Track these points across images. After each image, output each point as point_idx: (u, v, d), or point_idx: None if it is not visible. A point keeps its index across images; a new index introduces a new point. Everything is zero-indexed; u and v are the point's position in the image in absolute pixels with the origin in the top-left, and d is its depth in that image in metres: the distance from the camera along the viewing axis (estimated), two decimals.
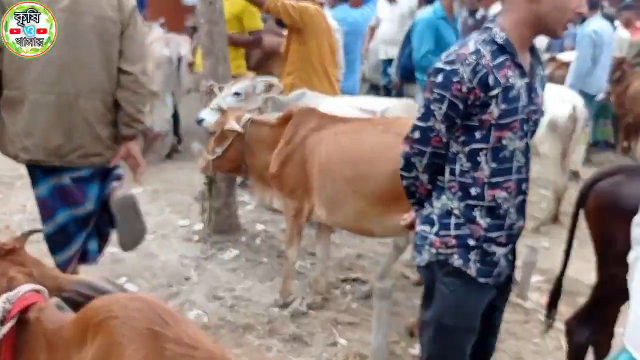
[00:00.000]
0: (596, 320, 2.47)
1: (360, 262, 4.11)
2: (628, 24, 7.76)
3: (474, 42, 1.81)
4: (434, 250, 1.92)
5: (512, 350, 3.14)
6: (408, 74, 5.91)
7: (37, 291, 1.51)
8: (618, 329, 2.51)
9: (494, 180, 1.86)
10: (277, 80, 4.21)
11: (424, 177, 1.94)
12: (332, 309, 3.43)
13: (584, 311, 2.52)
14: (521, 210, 1.97)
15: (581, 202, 2.50)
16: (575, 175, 5.82)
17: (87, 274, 2.88)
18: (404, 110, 3.72)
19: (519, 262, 4.04)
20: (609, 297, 2.44)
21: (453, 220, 1.90)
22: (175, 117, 5.94)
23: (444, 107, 1.81)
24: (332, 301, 3.52)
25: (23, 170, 5.17)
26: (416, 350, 3.05)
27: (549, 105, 4.82)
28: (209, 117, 3.87)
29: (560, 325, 3.23)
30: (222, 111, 3.52)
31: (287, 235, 3.39)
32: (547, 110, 4.91)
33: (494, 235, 1.89)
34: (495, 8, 7.34)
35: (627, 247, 2.28)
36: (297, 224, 3.26)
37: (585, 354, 2.50)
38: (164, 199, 4.95)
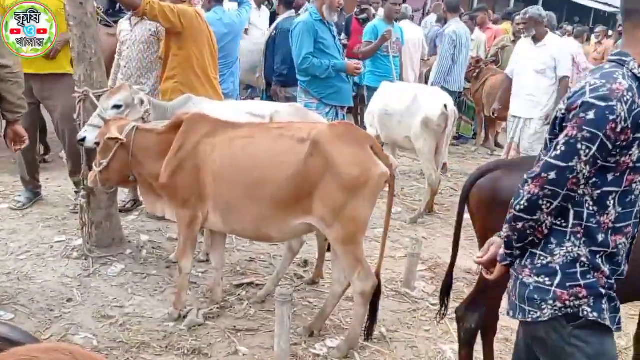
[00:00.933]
0: (483, 306, 2.67)
1: (253, 265, 4.10)
2: (481, 25, 8.44)
3: (621, 75, 1.67)
4: (559, 304, 1.73)
5: (404, 338, 3.30)
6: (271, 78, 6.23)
7: None
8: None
9: (618, 225, 1.74)
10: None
11: (548, 221, 1.75)
12: (230, 317, 3.39)
13: (471, 298, 2.72)
14: (628, 254, 1.83)
15: (465, 198, 2.68)
16: (444, 167, 6.23)
17: None
18: (293, 114, 3.76)
19: (402, 253, 4.33)
20: (493, 284, 2.64)
21: (579, 269, 1.74)
22: (42, 125, 5.48)
23: (594, 147, 1.64)
24: (229, 309, 3.47)
25: None
26: (317, 349, 3.11)
27: (422, 103, 5.18)
28: (89, 134, 3.63)
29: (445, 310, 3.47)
30: (104, 121, 3.33)
31: (180, 245, 3.29)
32: (421, 108, 5.27)
33: (613, 281, 1.78)
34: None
35: None
36: (191, 233, 3.17)
37: (475, 339, 2.70)
38: (35, 213, 4.57)
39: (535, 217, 1.74)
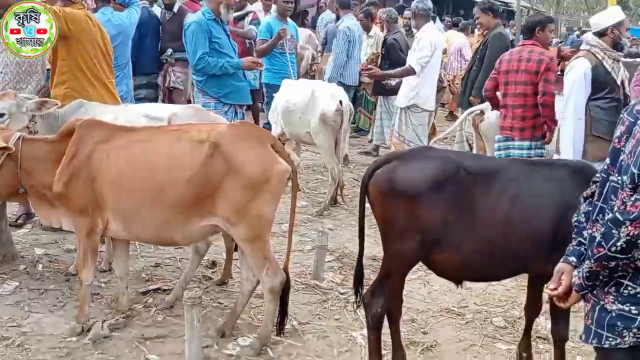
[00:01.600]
0: (387, 291, 2.79)
1: (159, 271, 4.01)
2: (373, 19, 8.68)
3: None
4: None
5: (316, 329, 3.38)
6: None
7: None
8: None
9: None
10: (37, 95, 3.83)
11: None
12: (137, 326, 3.30)
13: (376, 284, 2.83)
14: None
15: (365, 188, 2.78)
16: (345, 159, 6.40)
17: None
18: (192, 115, 3.72)
19: (310, 246, 4.41)
20: (395, 269, 2.78)
21: None
22: None
23: None
24: (136, 317, 3.38)
25: None
26: (230, 349, 3.11)
27: (320, 100, 5.29)
28: None
29: (354, 298, 3.59)
30: None
31: (80, 256, 3.16)
32: (319, 104, 5.38)
33: None
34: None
35: (406, 225, 2.64)
36: (91, 242, 3.06)
37: (382, 323, 2.81)
38: None
39: (630, 255, 1.75)
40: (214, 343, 3.15)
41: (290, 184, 3.09)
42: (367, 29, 7.86)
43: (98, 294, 3.63)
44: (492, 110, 5.28)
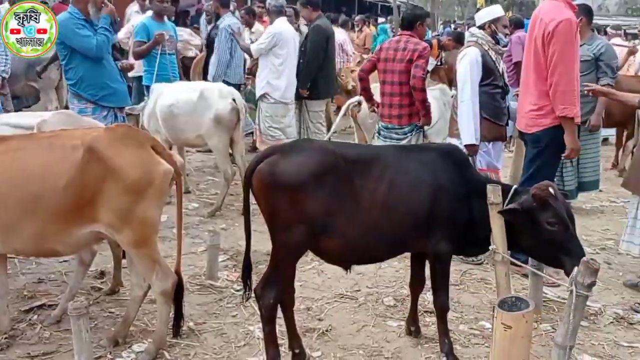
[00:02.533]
0: (278, 282, 2.86)
1: (43, 287, 3.83)
2: (255, 16, 8.73)
3: None
4: None
5: (213, 327, 3.38)
6: None
7: None
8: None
9: None
10: None
11: None
12: (22, 345, 3.14)
13: (267, 276, 2.89)
14: None
15: (248, 183, 2.83)
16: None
17: None
18: (63, 121, 3.56)
19: (204, 247, 4.38)
20: (283, 259, 2.85)
21: None
22: None
23: None
24: (19, 337, 3.21)
25: None
26: (124, 357, 3.05)
27: (211, 101, 5.21)
28: None
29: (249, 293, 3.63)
30: None
31: None
32: (211, 105, 5.30)
33: None
34: None
35: (290, 216, 2.72)
36: None
37: (276, 313, 2.88)
38: None
39: None
40: (107, 353, 3.07)
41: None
42: (249, 25, 7.97)
43: None
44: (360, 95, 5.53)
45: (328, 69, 6.76)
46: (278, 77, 6.30)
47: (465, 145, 4.28)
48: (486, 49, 4.39)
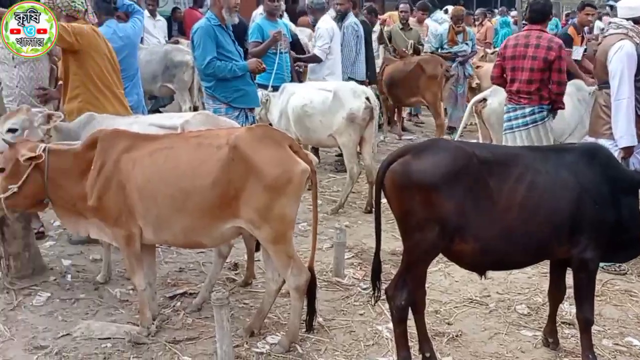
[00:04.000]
0: (410, 283, 2.85)
1: (184, 275, 4.10)
2: (377, 14, 8.76)
3: None
4: None
5: (341, 324, 3.45)
6: None
7: None
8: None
9: None
10: (46, 108, 3.92)
11: None
12: (168, 329, 3.39)
13: (398, 277, 2.89)
14: None
15: (380, 183, 2.85)
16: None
17: None
18: (203, 121, 3.78)
19: (328, 244, 4.48)
20: (416, 261, 2.84)
21: None
22: None
23: None
24: (166, 321, 3.47)
25: None
26: (259, 348, 3.19)
27: (345, 100, 5.27)
28: None
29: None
30: (9, 145, 3.20)
31: (127, 265, 3.27)
32: (344, 105, 5.34)
33: None
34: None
35: (424, 217, 2.71)
36: (132, 250, 3.14)
37: (407, 315, 2.88)
38: None
39: None
40: (244, 342, 3.23)
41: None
42: (372, 24, 8.04)
43: (127, 300, 3.73)
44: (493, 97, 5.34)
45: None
46: (333, 73, 6.54)
47: (622, 148, 4.00)
48: (638, 42, 4.07)
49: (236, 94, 5.07)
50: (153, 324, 3.34)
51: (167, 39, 9.27)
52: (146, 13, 7.97)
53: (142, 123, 3.86)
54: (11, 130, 3.60)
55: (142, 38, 7.00)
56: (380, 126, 8.82)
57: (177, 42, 8.71)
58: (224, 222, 3.00)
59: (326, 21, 6.75)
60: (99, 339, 3.27)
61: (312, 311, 3.22)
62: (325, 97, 5.37)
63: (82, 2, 4.38)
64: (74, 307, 3.64)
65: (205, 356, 3.14)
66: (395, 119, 8.70)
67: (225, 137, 2.98)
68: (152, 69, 7.68)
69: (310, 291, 3.14)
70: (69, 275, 4.02)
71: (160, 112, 8.31)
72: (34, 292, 3.76)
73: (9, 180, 3.14)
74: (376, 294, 3.03)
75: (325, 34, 6.53)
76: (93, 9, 5.37)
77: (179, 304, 3.69)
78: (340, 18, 7.01)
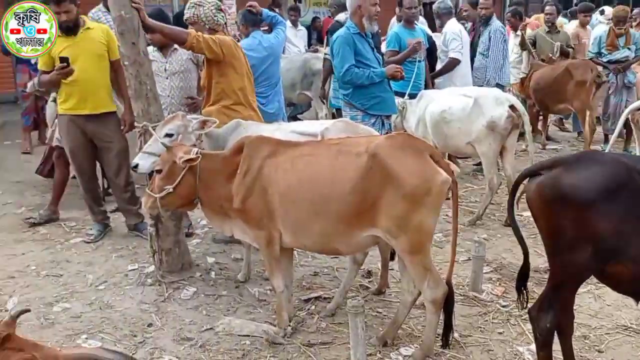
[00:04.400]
0: (556, 305, 2.66)
1: (318, 279, 4.18)
2: (521, 18, 8.36)
3: None
4: None
5: (479, 342, 3.31)
6: None
7: None
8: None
9: None
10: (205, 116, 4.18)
11: None
12: (303, 332, 3.47)
13: (543, 298, 2.71)
14: None
15: (514, 193, 2.69)
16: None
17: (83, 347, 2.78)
18: (343, 129, 3.83)
19: (465, 257, 4.33)
20: (564, 282, 2.65)
21: None
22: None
23: None
24: (300, 323, 3.55)
25: None
26: (393, 358, 3.16)
27: (485, 107, 5.09)
28: (143, 161, 3.81)
29: (517, 311, 3.47)
30: (167, 148, 3.47)
31: (267, 266, 3.40)
32: (485, 112, 5.16)
33: None
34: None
35: (576, 236, 2.51)
36: (272, 252, 3.26)
37: (552, 338, 2.69)
38: (107, 244, 4.80)
39: None
40: (377, 351, 3.22)
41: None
42: (514, 28, 7.71)
43: (265, 300, 3.88)
44: None
45: None
46: (463, 76, 6.46)
47: None
48: None
49: (373, 101, 5.09)
50: (289, 325, 3.44)
51: (307, 47, 9.57)
52: (288, 23, 8.29)
53: (284, 130, 3.99)
54: (168, 135, 3.88)
55: (284, 47, 7.29)
56: (521, 134, 8.42)
57: (316, 51, 8.93)
58: (361, 230, 3.01)
59: (453, 24, 6.73)
60: (239, 335, 3.43)
61: (448, 326, 3.12)
62: (466, 103, 5.21)
63: (222, 16, 4.66)
64: (216, 302, 3.85)
65: None
66: (540, 127, 8.22)
67: (364, 145, 2.99)
68: (291, 77, 7.97)
69: (447, 305, 3.05)
70: (213, 272, 4.26)
71: (298, 119, 8.60)
72: (182, 286, 4.04)
73: (165, 181, 3.39)
74: (520, 313, 2.86)
75: (455, 37, 6.58)
76: (240, 22, 5.67)
77: (313, 307, 3.77)
78: (485, 22, 6.79)
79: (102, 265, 4.40)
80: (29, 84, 6.69)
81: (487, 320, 3.53)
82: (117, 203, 5.12)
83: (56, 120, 5.17)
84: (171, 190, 3.36)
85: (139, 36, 3.94)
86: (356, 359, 2.96)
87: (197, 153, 3.34)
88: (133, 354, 3.25)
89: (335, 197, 2.98)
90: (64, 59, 4.43)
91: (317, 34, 11.43)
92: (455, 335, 3.32)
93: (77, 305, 3.78)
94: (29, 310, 1.69)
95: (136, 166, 3.85)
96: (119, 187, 4.95)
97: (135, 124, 4.14)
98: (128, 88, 4.13)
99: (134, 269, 4.31)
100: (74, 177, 6.62)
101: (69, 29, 4.55)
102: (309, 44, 10.10)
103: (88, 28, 4.66)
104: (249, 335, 3.43)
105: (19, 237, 4.99)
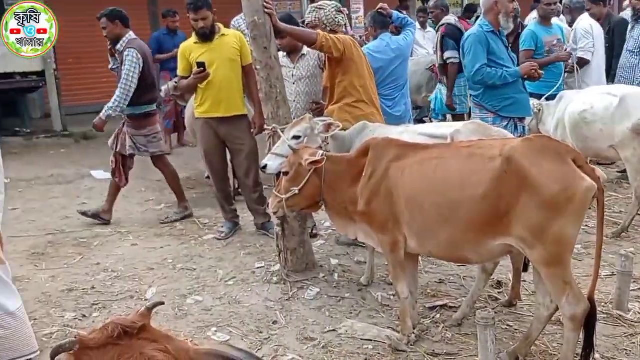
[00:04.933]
0: None
1: (444, 287, 4.04)
2: None
3: None
4: None
5: None
6: None
7: None
8: None
9: None
10: (334, 119, 4.19)
11: None
12: (427, 340, 3.36)
13: None
14: None
15: None
16: None
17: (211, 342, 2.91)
18: (474, 131, 3.65)
19: (607, 271, 3.96)
20: None
21: None
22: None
23: None
24: (425, 332, 3.44)
25: (99, 229, 5.35)
26: None
27: (632, 108, 4.66)
28: (271, 162, 3.93)
29: None
30: (293, 150, 3.53)
31: (391, 271, 3.34)
32: (631, 113, 4.74)
33: None
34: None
35: None
36: (396, 257, 3.19)
37: None
38: (236, 242, 5.00)
39: None
40: None
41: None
42: None
43: (388, 305, 3.81)
44: None
45: None
46: (597, 76, 6.15)
47: None
48: None
49: (505, 103, 4.85)
50: (413, 333, 3.34)
51: (435, 50, 9.36)
52: (417, 25, 8.16)
53: (412, 132, 3.89)
54: (295, 137, 3.96)
55: (412, 50, 7.18)
56: None
57: None
58: (493, 239, 2.83)
59: (585, 20, 6.35)
60: (362, 339, 3.39)
61: (589, 346, 2.85)
62: (609, 102, 4.79)
63: (342, 17, 4.69)
64: (339, 304, 3.84)
65: None
66: None
67: (499, 148, 2.81)
68: (417, 80, 7.84)
69: (588, 323, 2.78)
70: (336, 274, 4.27)
71: (423, 122, 8.43)
72: (306, 286, 4.08)
73: (292, 182, 3.44)
74: None
75: (586, 34, 6.25)
76: (369, 23, 5.65)
77: (438, 316, 3.63)
78: (638, 17, 6.23)
79: (232, 261, 4.58)
80: (163, 89, 7.21)
81: (634, 343, 3.19)
82: (246, 203, 5.31)
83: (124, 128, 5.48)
84: (297, 192, 3.41)
85: (271, 41, 4.07)
86: None
87: (322, 155, 3.36)
88: (258, 349, 3.33)
89: (465, 202, 2.83)
90: (201, 64, 4.70)
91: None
92: (597, 356, 3.04)
93: (208, 299, 3.95)
94: (163, 304, 1.76)
95: (265, 167, 3.97)
96: (248, 187, 5.14)
97: (265, 126, 4.26)
98: (259, 91, 4.27)
99: (260, 267, 4.44)
100: (207, 178, 7.04)
101: (206, 35, 4.81)
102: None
103: (223, 34, 4.90)
104: (371, 340, 3.38)
105: (159, 231, 5.34)
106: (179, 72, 5.07)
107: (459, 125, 3.93)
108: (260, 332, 3.53)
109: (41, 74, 9.50)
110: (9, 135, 9.41)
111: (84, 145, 9.28)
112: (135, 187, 6.71)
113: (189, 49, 4.96)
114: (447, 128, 3.89)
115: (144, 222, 5.61)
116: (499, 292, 3.89)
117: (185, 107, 7.04)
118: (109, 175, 7.23)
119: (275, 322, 3.64)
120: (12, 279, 4.24)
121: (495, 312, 3.58)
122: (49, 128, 9.82)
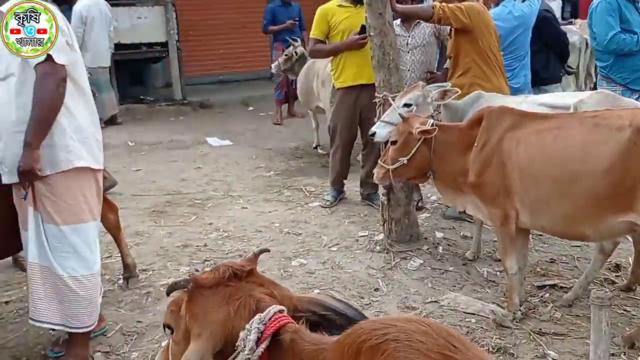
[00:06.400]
0: None
1: (555, 267, 3.85)
2: None
3: None
4: None
5: None
6: None
7: (282, 312, 1.54)
8: None
9: None
10: (449, 85, 4.07)
11: None
12: (533, 319, 3.23)
13: None
14: None
15: None
16: None
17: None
18: (601, 101, 3.39)
19: None
20: None
21: None
22: None
23: None
24: (532, 310, 3.31)
25: (212, 192, 5.63)
26: None
27: None
28: (380, 130, 3.89)
29: None
30: (403, 119, 3.47)
31: (500, 245, 3.23)
32: None
33: None
34: None
35: None
36: (506, 231, 3.07)
37: None
38: (341, 210, 5.05)
39: None
40: (621, 352, 2.85)
41: None
42: None
43: (494, 281, 3.70)
44: None
45: None
46: None
47: None
48: None
49: (636, 75, 4.51)
50: (520, 310, 3.22)
51: (561, 19, 8.83)
52: None
53: (532, 102, 3.69)
54: (406, 105, 3.88)
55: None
56: None
57: (570, 23, 8.19)
58: (614, 215, 2.65)
59: None
60: (464, 312, 3.33)
61: None
62: None
63: None
64: (442, 277, 3.79)
65: (574, 356, 2.89)
66: None
67: (628, 118, 2.60)
68: None
69: None
70: (441, 247, 4.20)
71: None
72: (409, 256, 4.05)
73: (399, 152, 3.35)
74: None
75: None
76: None
77: (547, 295, 3.48)
78: None
79: (336, 229, 4.64)
80: (273, 65, 7.34)
81: None
82: (361, 173, 5.23)
83: None
84: (405, 162, 3.33)
85: (386, 7, 4.01)
86: (597, 355, 2.63)
87: (433, 124, 3.27)
88: None
89: (585, 175, 2.66)
90: (364, 27, 4.44)
91: (572, 6, 10.46)
92: None
93: (312, 262, 4.05)
94: (268, 250, 1.82)
95: (373, 134, 3.94)
96: (371, 158, 4.97)
97: (376, 94, 4.22)
98: (372, 58, 4.22)
99: (364, 235, 4.46)
100: (315, 148, 7.15)
101: None
102: (562, 17, 9.29)
103: None
104: (474, 314, 3.31)
105: (267, 197, 5.52)
106: (317, 34, 4.94)
107: (584, 95, 3.68)
108: (362, 298, 3.57)
109: (164, 45, 10.02)
110: (134, 102, 10.09)
111: (201, 114, 9.76)
112: (247, 154, 6.97)
113: (331, 11, 4.89)
114: (570, 98, 3.65)
115: (253, 187, 5.82)
116: (616, 276, 3.65)
117: (295, 79, 7.16)
118: (223, 142, 7.62)
119: (377, 289, 3.66)
120: (134, 233, 4.63)
121: (612, 296, 3.37)
122: (169, 96, 10.40)
